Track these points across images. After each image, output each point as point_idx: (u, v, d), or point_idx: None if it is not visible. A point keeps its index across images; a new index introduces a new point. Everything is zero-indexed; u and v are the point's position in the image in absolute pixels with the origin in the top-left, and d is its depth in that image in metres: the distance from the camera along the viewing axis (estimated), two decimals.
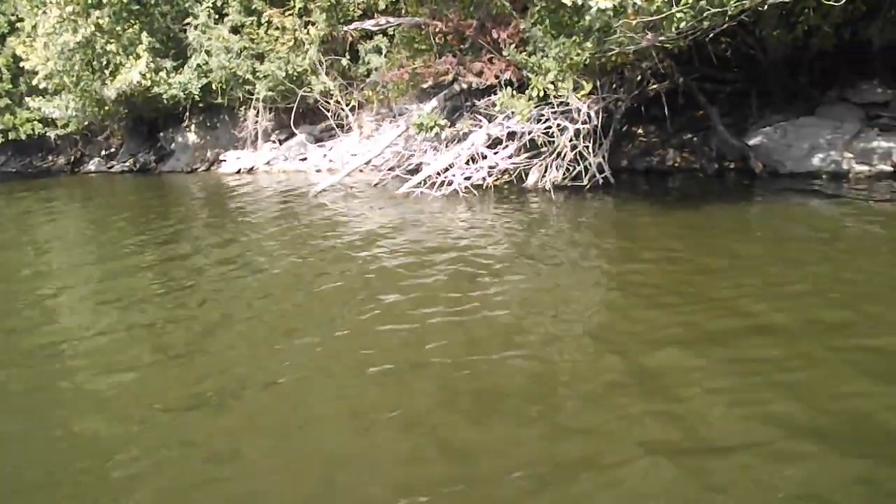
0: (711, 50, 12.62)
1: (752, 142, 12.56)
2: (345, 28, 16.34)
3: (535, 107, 11.36)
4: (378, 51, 16.54)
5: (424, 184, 12.35)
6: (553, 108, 11.31)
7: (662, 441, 4.42)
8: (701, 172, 12.92)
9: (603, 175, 11.67)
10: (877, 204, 9.97)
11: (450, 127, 12.60)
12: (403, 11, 15.20)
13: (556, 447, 4.44)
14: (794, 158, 12.16)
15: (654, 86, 12.69)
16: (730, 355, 5.42)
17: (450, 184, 12.07)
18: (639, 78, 12.47)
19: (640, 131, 14.10)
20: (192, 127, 22.06)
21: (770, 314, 6.14)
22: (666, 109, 12.57)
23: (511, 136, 11.96)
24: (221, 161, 20.73)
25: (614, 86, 12.40)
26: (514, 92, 11.50)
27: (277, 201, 13.98)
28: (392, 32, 15.99)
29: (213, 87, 19.02)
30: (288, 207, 13.06)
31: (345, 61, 17.30)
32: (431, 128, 12.19)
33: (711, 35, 12.13)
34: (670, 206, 10.74)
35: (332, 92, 16.81)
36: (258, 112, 18.86)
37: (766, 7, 8.71)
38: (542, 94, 11.09)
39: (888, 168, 11.75)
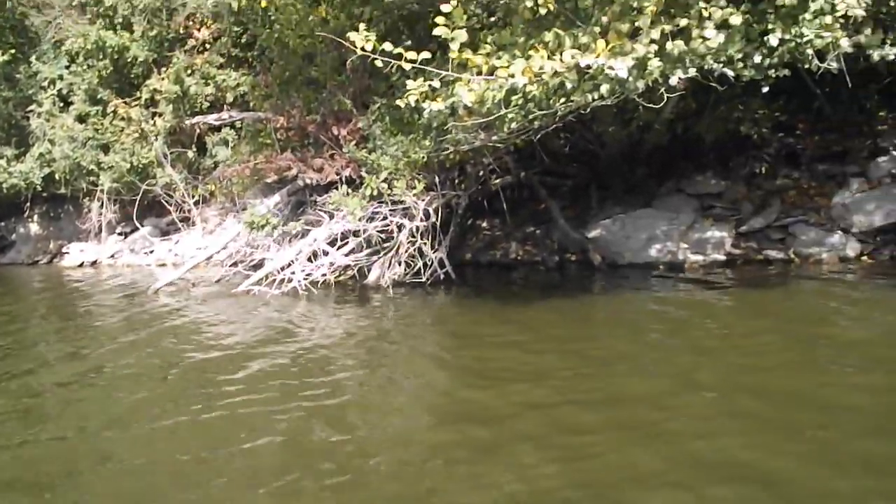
0: (550, 147, 12.92)
1: (591, 234, 12.85)
2: (191, 120, 16.08)
3: (376, 203, 11.32)
4: (225, 143, 16.31)
5: (265, 281, 12.06)
6: (390, 205, 11.29)
7: None
8: (542, 265, 13.10)
9: (444, 270, 11.66)
10: (706, 292, 10.40)
11: (287, 223, 12.42)
12: (252, 105, 15.09)
13: None
14: (632, 250, 12.49)
15: (497, 181, 12.87)
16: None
17: (290, 281, 11.83)
18: (480, 173, 12.62)
19: (484, 224, 14.25)
20: (35, 217, 21.03)
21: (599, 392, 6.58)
22: (505, 204, 12.74)
23: (352, 232, 11.85)
24: (65, 253, 19.87)
25: (457, 181, 12.50)
26: (351, 190, 11.41)
27: (113, 299, 13.41)
28: (240, 126, 15.82)
29: (57, 177, 18.31)
30: (122, 306, 12.52)
31: (191, 154, 16.96)
32: (263, 226, 11.98)
33: (548, 131, 12.47)
34: (507, 299, 10.88)
35: (176, 185, 16.41)
36: (103, 204, 18.21)
37: (588, 110, 8.94)
38: (375, 192, 11.08)
39: (721, 257, 12.22)
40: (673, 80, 7.96)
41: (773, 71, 8.49)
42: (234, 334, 9.93)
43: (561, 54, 7.75)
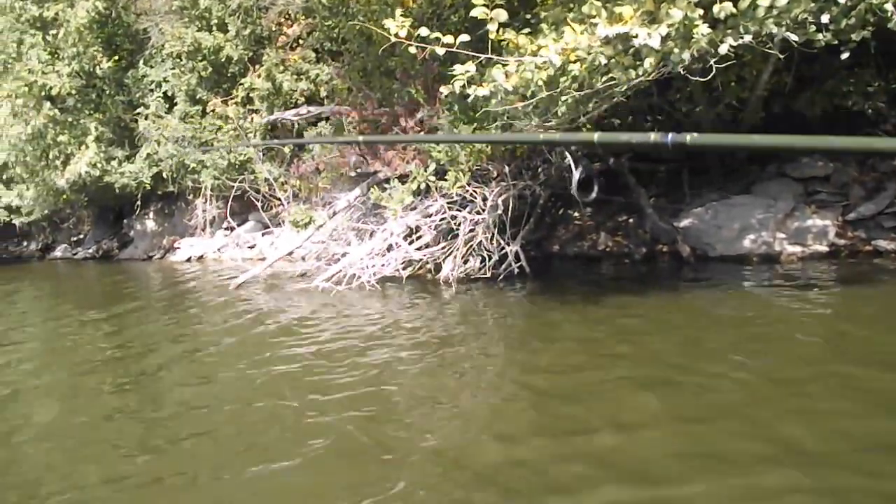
0: (639, 130, 12.18)
1: (682, 224, 12.01)
2: (272, 117, 16.14)
3: (436, 197, 10.88)
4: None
5: (336, 276, 11.83)
6: (453, 198, 10.84)
7: None
8: (629, 258, 12.35)
9: (518, 264, 11.12)
10: (801, 290, 9.29)
11: (366, 217, 12.19)
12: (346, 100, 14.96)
13: None
14: (724, 241, 11.57)
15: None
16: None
17: (360, 277, 11.56)
18: (566, 161, 11.99)
19: (576, 214, 13.56)
20: (151, 214, 21.90)
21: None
22: (576, 195, 12.03)
23: (426, 226, 11.47)
24: (177, 248, 20.47)
25: (539, 170, 11.92)
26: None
27: (204, 293, 13.64)
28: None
29: (164, 175, 18.81)
30: (206, 301, 12.69)
31: (287, 150, 17.01)
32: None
33: (636, 114, 11.76)
34: (580, 295, 10.02)
35: (273, 181, 16.47)
36: (207, 200, 18.58)
37: (628, 87, 8.15)
38: (423, 186, 10.64)
39: (823, 248, 11.13)
40: (723, 49, 7.16)
41: (854, 34, 7.60)
42: (302, 327, 9.68)
43: (594, 28, 7.11)
